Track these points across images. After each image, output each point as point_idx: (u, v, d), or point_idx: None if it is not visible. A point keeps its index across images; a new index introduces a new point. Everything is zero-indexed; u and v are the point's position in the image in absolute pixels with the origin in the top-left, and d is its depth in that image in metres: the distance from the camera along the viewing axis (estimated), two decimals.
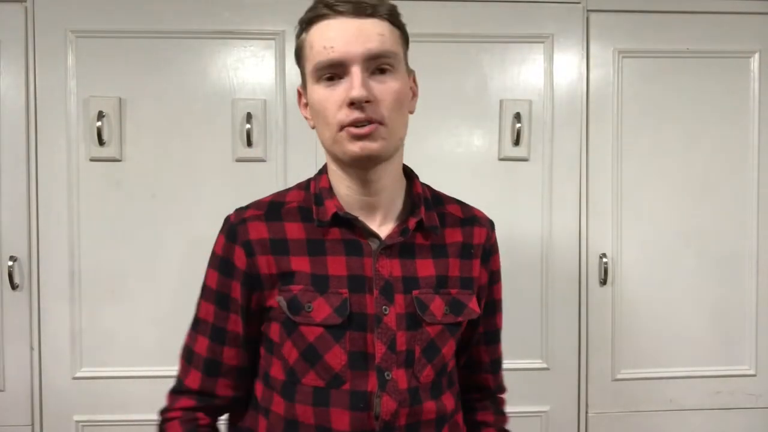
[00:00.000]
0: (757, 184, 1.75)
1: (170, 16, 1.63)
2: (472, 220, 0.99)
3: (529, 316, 1.71)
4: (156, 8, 1.63)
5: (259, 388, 0.95)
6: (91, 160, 1.63)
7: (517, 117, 1.67)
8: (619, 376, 1.74)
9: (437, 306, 0.91)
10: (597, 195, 1.72)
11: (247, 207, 0.95)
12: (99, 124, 1.60)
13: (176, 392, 0.96)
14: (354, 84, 0.82)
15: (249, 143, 1.64)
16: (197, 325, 0.96)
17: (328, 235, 0.90)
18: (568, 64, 1.70)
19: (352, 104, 0.82)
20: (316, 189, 0.94)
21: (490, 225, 1.02)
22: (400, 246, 0.91)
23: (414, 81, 0.94)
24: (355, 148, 0.84)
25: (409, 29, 0.92)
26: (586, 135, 1.71)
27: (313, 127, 0.92)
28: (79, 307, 1.64)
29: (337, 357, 0.87)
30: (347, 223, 0.90)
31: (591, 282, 1.72)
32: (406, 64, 0.91)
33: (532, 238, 1.71)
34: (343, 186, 0.91)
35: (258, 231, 0.91)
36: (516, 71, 1.70)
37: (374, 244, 0.90)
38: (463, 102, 1.68)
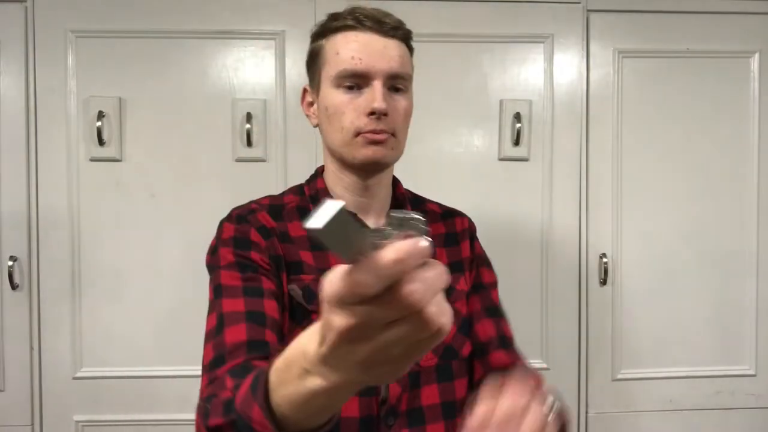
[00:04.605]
0: (757, 184, 1.74)
1: (170, 16, 1.63)
2: (451, 213, 1.08)
3: (529, 316, 1.71)
4: (156, 8, 1.63)
5: None
6: (91, 160, 1.63)
7: (517, 117, 1.67)
8: (619, 376, 1.73)
9: None
10: (597, 195, 1.72)
11: (249, 203, 0.99)
12: (99, 124, 1.60)
13: (214, 366, 0.80)
14: (377, 97, 0.89)
15: (249, 143, 1.64)
16: (223, 294, 0.87)
17: None
18: (568, 64, 1.70)
19: (373, 114, 0.89)
20: (312, 191, 1.00)
21: (469, 218, 1.09)
22: None
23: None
24: (368, 151, 0.91)
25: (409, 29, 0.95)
26: (586, 135, 1.71)
27: (315, 125, 0.98)
28: (79, 307, 1.64)
29: None
30: None
31: (591, 282, 1.72)
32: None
33: (532, 238, 1.70)
34: (340, 187, 0.97)
35: (267, 221, 0.95)
36: (516, 71, 1.69)
37: None
38: (463, 102, 1.68)
